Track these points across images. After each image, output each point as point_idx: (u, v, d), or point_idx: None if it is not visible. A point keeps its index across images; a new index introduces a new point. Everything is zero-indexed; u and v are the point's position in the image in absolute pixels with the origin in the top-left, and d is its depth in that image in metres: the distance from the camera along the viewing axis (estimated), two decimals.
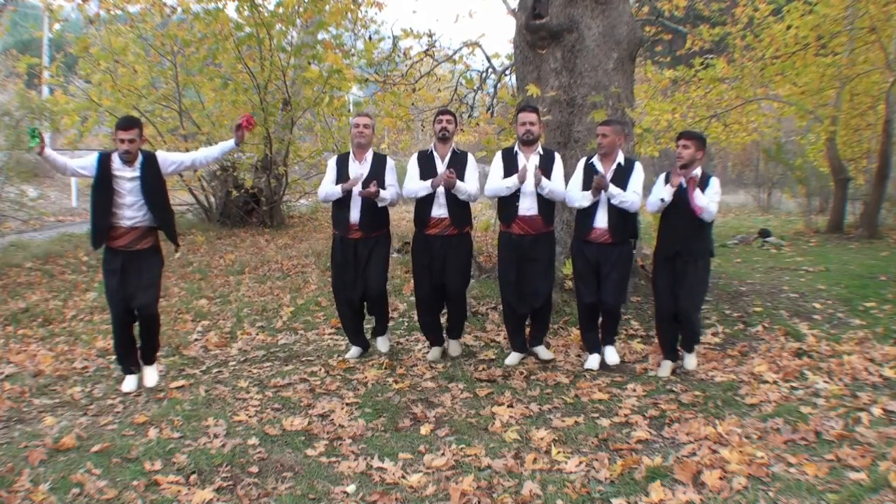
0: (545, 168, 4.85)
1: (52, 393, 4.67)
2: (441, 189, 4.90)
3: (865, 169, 13.36)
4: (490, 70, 9.63)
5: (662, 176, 4.79)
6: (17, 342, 6.02)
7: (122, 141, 4.35)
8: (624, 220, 4.78)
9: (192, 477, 3.30)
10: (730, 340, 5.59)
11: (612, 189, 4.70)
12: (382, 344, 5.30)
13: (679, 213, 4.61)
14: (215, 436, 3.76)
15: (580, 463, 3.41)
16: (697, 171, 4.64)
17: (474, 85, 9.79)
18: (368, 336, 5.47)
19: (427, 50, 9.89)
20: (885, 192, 12.17)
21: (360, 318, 5.30)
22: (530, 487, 3.15)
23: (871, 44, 11.33)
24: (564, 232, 6.27)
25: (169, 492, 3.15)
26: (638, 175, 4.80)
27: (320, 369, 4.98)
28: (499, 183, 4.89)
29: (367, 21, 12.81)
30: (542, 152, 4.92)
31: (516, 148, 4.95)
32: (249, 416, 4.06)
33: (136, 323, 4.63)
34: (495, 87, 9.60)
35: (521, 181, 4.77)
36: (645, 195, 4.91)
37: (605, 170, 4.79)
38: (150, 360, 4.77)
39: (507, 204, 4.93)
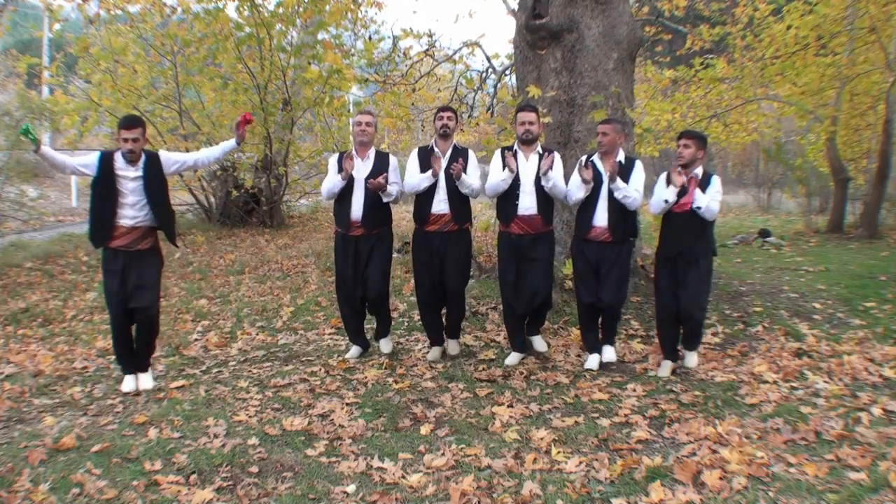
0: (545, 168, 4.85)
1: (52, 393, 4.67)
2: (442, 184, 4.91)
3: (865, 169, 13.36)
4: (490, 70, 9.64)
5: (663, 176, 4.78)
6: (17, 342, 6.02)
7: (126, 140, 4.34)
8: (624, 218, 4.78)
9: (192, 477, 3.29)
10: (730, 340, 5.59)
11: (618, 182, 4.69)
12: (385, 346, 5.30)
13: (681, 213, 4.61)
14: (215, 436, 3.75)
15: (580, 463, 3.41)
16: (699, 171, 4.64)
17: (474, 85, 9.79)
18: (369, 336, 5.47)
19: (427, 50, 9.90)
20: (885, 192, 12.18)
21: (361, 317, 5.30)
22: (530, 487, 3.15)
23: (871, 44, 11.33)
24: (564, 232, 6.27)
25: (169, 492, 3.15)
26: (639, 174, 4.79)
27: (320, 369, 4.98)
28: (495, 179, 4.89)
29: (367, 21, 12.83)
30: (541, 151, 4.92)
31: (516, 147, 4.95)
32: (249, 416, 4.06)
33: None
34: (495, 87, 9.60)
35: (511, 170, 4.75)
36: (646, 195, 4.91)
37: (606, 168, 4.79)
38: (143, 367, 4.70)
39: (506, 203, 4.93)
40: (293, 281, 8.17)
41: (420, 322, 5.61)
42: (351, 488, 3.22)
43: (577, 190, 4.82)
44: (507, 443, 3.69)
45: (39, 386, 4.78)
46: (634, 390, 4.46)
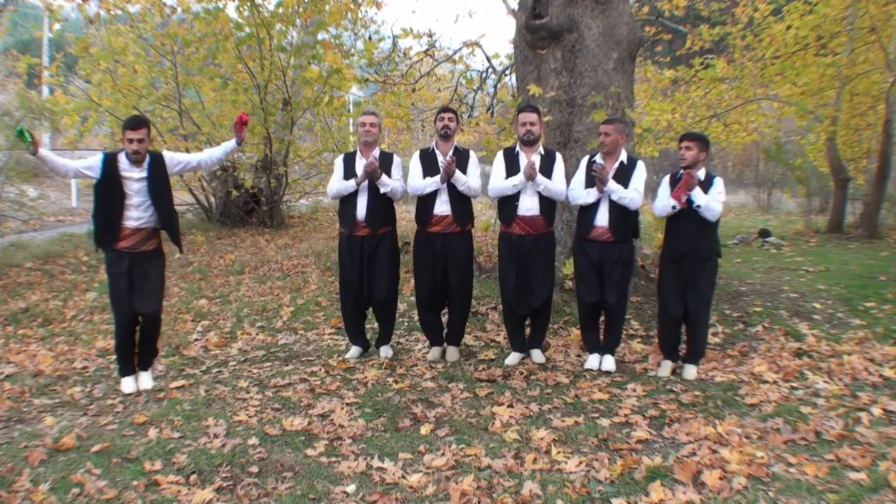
0: (546, 168, 4.85)
1: (52, 393, 4.67)
2: (444, 185, 4.92)
3: (865, 169, 13.37)
4: (490, 70, 9.65)
5: (666, 179, 4.78)
6: (17, 342, 6.02)
7: (131, 141, 4.33)
8: (625, 218, 4.77)
9: (192, 477, 3.29)
10: (730, 340, 5.59)
11: (612, 185, 4.69)
12: (385, 352, 5.29)
13: (684, 214, 4.61)
14: (215, 436, 3.75)
15: (580, 463, 3.41)
16: (701, 172, 4.64)
17: (474, 85, 9.81)
18: (369, 336, 5.47)
19: (427, 50, 9.91)
20: (885, 192, 12.18)
21: (363, 318, 5.33)
22: (530, 487, 3.15)
23: (871, 44, 11.34)
24: (564, 232, 6.27)
25: (169, 492, 3.15)
26: (640, 174, 4.78)
27: (320, 369, 4.98)
28: (503, 182, 4.89)
29: (366, 21, 12.84)
30: (542, 152, 4.91)
31: (517, 148, 4.95)
32: (249, 416, 4.06)
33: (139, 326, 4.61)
34: (495, 87, 9.62)
35: (528, 178, 4.75)
36: (646, 195, 4.91)
37: (608, 168, 4.78)
38: (146, 366, 4.73)
39: (507, 204, 4.93)
40: (293, 281, 8.17)
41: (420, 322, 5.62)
42: (351, 488, 3.21)
43: (585, 194, 4.81)
44: (507, 443, 3.69)
45: (39, 386, 4.78)
46: (634, 390, 4.46)
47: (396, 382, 4.66)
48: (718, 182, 4.64)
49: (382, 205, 5.02)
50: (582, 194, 4.83)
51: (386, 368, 4.97)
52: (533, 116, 4.86)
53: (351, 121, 12.87)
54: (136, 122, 4.43)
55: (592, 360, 4.94)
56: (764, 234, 12.02)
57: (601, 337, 5.02)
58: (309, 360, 5.24)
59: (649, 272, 6.79)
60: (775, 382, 4.46)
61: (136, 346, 4.66)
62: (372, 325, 5.65)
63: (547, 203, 4.89)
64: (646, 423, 3.93)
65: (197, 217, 13.02)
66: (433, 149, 5.07)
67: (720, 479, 3.14)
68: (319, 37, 11.06)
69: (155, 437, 3.74)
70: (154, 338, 4.67)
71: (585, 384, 4.59)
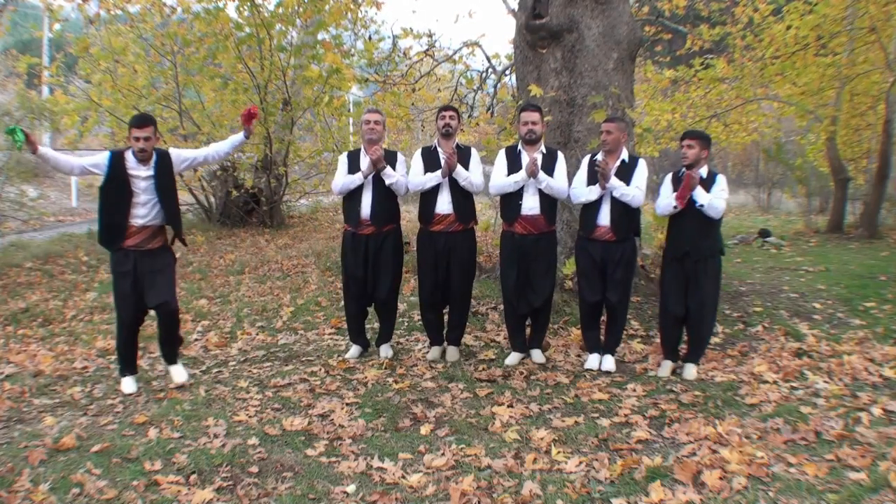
0: (548, 166, 4.86)
1: (52, 393, 4.67)
2: (447, 184, 4.93)
3: (865, 169, 13.37)
4: (490, 70, 9.65)
5: (668, 178, 4.78)
6: (17, 342, 6.02)
7: (138, 139, 4.31)
8: (627, 216, 4.77)
9: (192, 477, 3.29)
10: (730, 340, 5.59)
11: (614, 181, 4.69)
12: (385, 351, 5.29)
13: (686, 212, 4.60)
14: (215, 436, 3.75)
15: (580, 463, 3.41)
16: (703, 170, 4.64)
17: (474, 85, 9.81)
18: (370, 336, 5.47)
19: (427, 50, 9.91)
20: (885, 192, 12.19)
21: (365, 316, 5.34)
22: (530, 487, 3.15)
23: (871, 44, 11.34)
24: (565, 232, 6.27)
25: (169, 492, 3.15)
26: (642, 172, 4.79)
27: (320, 369, 4.98)
28: (504, 179, 4.90)
29: (366, 21, 12.83)
30: (544, 151, 4.92)
31: (520, 146, 4.96)
32: (249, 416, 4.06)
33: (153, 323, 4.58)
34: (495, 87, 9.62)
35: (530, 175, 4.75)
36: (647, 194, 4.91)
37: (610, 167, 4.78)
38: (173, 359, 4.74)
39: (511, 203, 4.94)
40: (293, 281, 8.17)
41: (420, 322, 5.62)
42: (351, 488, 3.21)
43: (587, 192, 4.81)
44: (507, 443, 3.69)
45: (39, 386, 4.78)
46: (634, 390, 4.46)
47: (396, 382, 4.66)
48: (721, 179, 4.64)
49: (387, 201, 5.02)
50: (584, 192, 4.84)
51: (386, 368, 4.97)
52: (535, 115, 4.87)
53: (351, 121, 12.88)
54: (143, 121, 4.41)
55: (592, 360, 4.95)
56: (764, 234, 12.02)
57: (602, 337, 5.03)
58: (309, 360, 5.24)
59: (649, 272, 6.79)
60: (775, 382, 4.46)
61: (139, 347, 4.66)
62: (372, 325, 5.66)
63: (548, 202, 4.90)
64: (646, 423, 3.93)
65: (197, 217, 13.02)
66: (435, 147, 5.07)
67: (720, 479, 3.14)
68: (319, 37, 11.07)
69: (155, 437, 3.74)
70: (174, 331, 4.65)
71: (585, 384, 4.59)
